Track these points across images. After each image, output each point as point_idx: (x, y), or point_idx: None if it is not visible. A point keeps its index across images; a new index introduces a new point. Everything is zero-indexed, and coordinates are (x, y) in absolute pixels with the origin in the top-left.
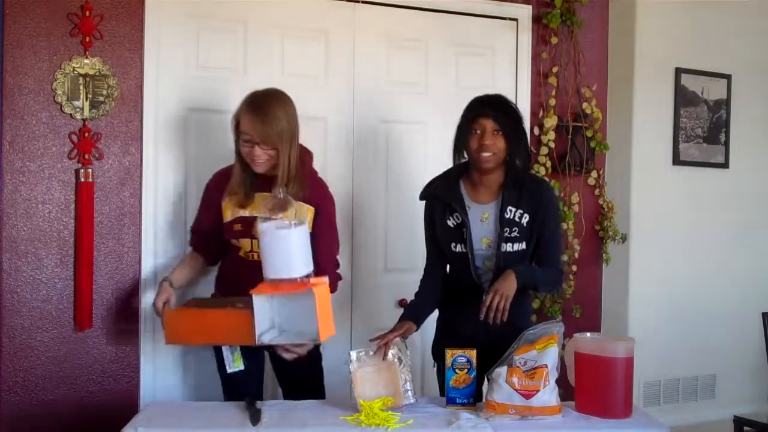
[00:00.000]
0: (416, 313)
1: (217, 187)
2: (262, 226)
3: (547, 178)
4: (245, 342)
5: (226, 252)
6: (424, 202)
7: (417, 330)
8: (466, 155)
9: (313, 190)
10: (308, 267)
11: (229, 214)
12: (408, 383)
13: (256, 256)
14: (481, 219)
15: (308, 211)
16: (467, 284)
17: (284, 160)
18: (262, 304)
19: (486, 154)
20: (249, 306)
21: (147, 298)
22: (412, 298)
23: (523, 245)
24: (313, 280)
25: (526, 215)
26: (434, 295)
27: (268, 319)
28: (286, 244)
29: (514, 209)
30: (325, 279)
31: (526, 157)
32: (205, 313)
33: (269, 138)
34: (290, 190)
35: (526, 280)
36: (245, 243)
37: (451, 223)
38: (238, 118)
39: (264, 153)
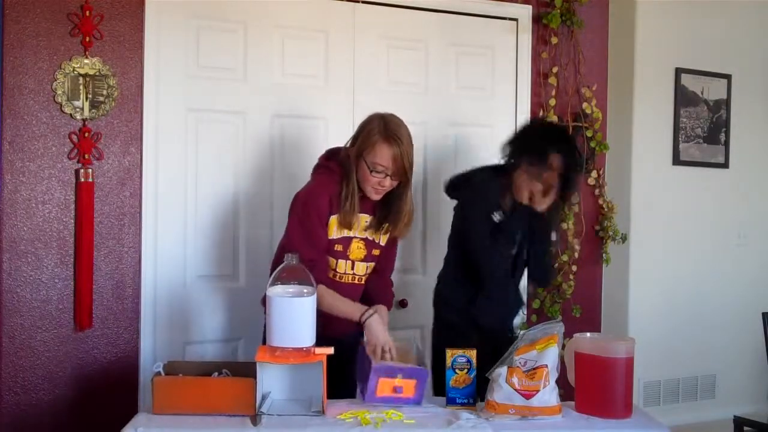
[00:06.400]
0: None
1: (326, 203)
2: (272, 292)
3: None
4: (243, 412)
5: None
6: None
7: None
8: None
9: None
10: (314, 338)
11: (333, 231)
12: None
13: (347, 278)
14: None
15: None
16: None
17: (410, 191)
18: (264, 372)
19: (539, 206)
20: (236, 371)
21: (147, 298)
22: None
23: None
24: (318, 350)
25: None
26: None
27: (268, 387)
28: (298, 313)
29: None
30: (330, 350)
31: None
32: (200, 382)
33: (404, 172)
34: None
35: None
36: (342, 264)
37: (496, 218)
38: (365, 147)
39: (392, 184)
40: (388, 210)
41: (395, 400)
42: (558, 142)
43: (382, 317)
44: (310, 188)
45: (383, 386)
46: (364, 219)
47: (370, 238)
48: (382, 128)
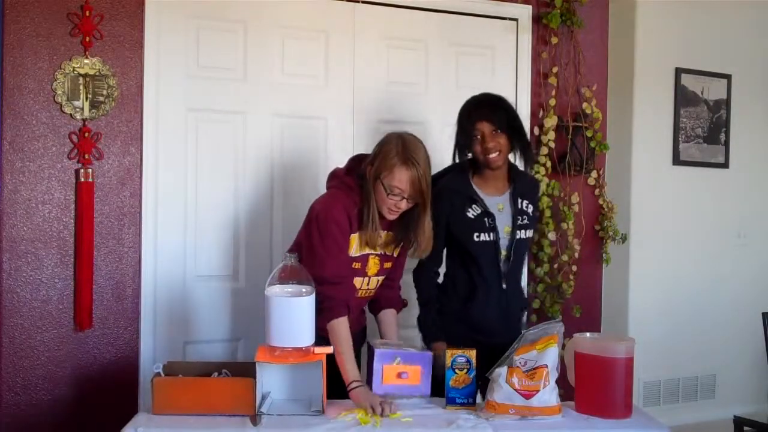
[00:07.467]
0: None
1: (347, 220)
2: (270, 291)
3: (546, 179)
4: (243, 412)
5: None
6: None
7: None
8: (472, 156)
9: None
10: (313, 337)
11: (353, 249)
12: None
13: (361, 293)
14: (498, 209)
15: None
16: (490, 273)
17: (428, 213)
18: (264, 372)
19: (493, 155)
20: (236, 371)
21: (147, 298)
22: (426, 306)
23: (531, 232)
24: (317, 349)
25: (530, 205)
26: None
27: (268, 387)
28: (297, 313)
29: (521, 200)
30: (329, 349)
31: (528, 145)
32: (200, 382)
33: (421, 196)
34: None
35: None
36: (359, 281)
37: (471, 214)
38: (382, 170)
39: (407, 206)
40: (407, 228)
41: (402, 389)
42: (476, 108)
43: (388, 317)
44: (328, 204)
45: (388, 373)
46: (381, 236)
47: (382, 252)
48: (400, 150)
